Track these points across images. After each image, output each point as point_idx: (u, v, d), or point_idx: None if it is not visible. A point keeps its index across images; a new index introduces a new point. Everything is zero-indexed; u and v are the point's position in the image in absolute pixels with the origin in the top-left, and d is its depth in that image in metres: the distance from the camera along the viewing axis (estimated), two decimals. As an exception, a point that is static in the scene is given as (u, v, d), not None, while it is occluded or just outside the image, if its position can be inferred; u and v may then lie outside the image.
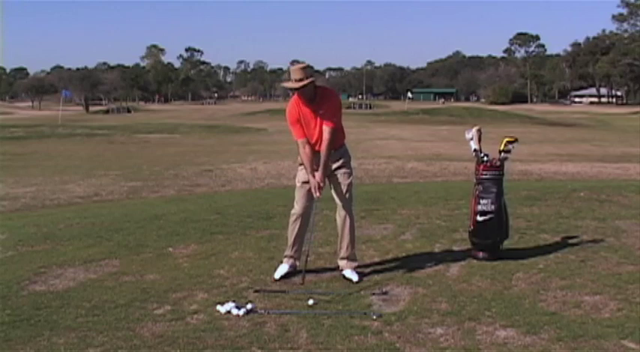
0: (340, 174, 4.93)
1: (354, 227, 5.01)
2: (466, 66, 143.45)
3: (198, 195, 11.01)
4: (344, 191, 4.91)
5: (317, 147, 4.85)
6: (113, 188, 12.29)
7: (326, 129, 4.79)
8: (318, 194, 4.79)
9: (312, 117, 4.82)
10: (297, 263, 5.05)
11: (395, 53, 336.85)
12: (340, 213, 4.95)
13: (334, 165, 4.91)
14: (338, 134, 4.90)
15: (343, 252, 4.97)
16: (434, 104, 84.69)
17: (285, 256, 5.04)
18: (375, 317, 4.07)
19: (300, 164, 4.98)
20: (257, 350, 3.64)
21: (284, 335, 3.83)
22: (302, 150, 4.86)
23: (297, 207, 4.98)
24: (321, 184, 4.78)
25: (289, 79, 4.75)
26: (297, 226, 4.97)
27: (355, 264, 5.00)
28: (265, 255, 5.61)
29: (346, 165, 4.97)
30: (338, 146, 4.92)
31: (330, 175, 4.90)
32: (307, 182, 4.90)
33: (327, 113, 4.80)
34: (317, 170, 4.80)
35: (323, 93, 4.86)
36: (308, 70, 4.73)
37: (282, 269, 4.98)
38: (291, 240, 5.01)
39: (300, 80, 4.68)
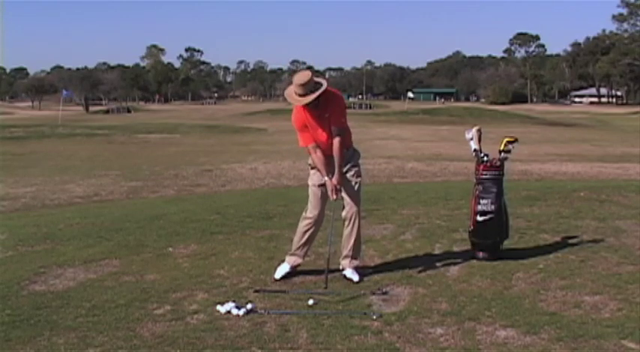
0: (350, 174, 4.91)
1: (361, 225, 4.99)
2: (466, 66, 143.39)
3: (198, 195, 11.01)
4: (354, 190, 4.89)
5: (327, 151, 4.79)
6: (113, 188, 12.29)
7: (336, 131, 4.75)
8: (334, 196, 4.77)
9: (319, 121, 4.76)
10: (301, 261, 5.04)
11: (395, 53, 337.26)
12: (348, 211, 4.91)
13: (350, 159, 4.90)
14: (347, 134, 4.88)
15: (347, 250, 4.96)
16: (434, 104, 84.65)
17: (291, 254, 5.02)
18: (375, 317, 4.07)
19: (313, 167, 4.94)
20: (257, 350, 3.64)
21: (284, 335, 3.83)
22: (314, 155, 4.81)
23: (314, 211, 4.91)
24: (338, 187, 4.75)
25: (293, 90, 4.67)
26: (311, 229, 4.93)
27: (357, 262, 4.99)
28: (265, 255, 5.61)
29: (355, 164, 4.96)
30: (347, 146, 4.88)
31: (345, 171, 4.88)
32: (323, 185, 4.85)
33: (334, 115, 4.75)
34: (332, 172, 4.76)
35: (327, 95, 4.74)
36: (310, 85, 4.61)
37: (283, 269, 4.98)
38: (302, 241, 4.96)
39: (304, 95, 4.61)
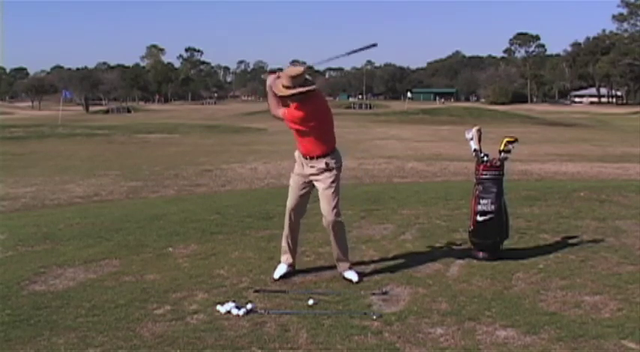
0: (322, 182, 4.82)
1: (342, 230, 4.93)
2: (466, 66, 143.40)
3: (198, 195, 11.01)
4: (327, 199, 4.81)
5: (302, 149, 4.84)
6: (113, 188, 12.29)
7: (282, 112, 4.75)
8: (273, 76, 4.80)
9: (293, 107, 4.75)
10: (293, 258, 5.04)
11: (395, 53, 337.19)
12: (325, 219, 4.87)
13: (319, 167, 4.82)
14: (323, 138, 4.80)
15: (337, 254, 4.97)
16: (434, 104, 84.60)
17: (283, 253, 5.03)
18: (375, 317, 4.07)
19: (296, 161, 4.98)
20: (257, 350, 3.65)
21: (284, 335, 3.83)
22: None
23: (290, 201, 4.96)
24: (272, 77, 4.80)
25: (281, 81, 4.69)
26: (289, 220, 4.96)
27: (347, 264, 4.95)
28: (265, 255, 5.61)
29: (332, 168, 4.82)
30: (324, 152, 4.79)
31: (314, 179, 4.86)
32: (299, 174, 4.91)
33: (311, 110, 4.69)
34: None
35: (314, 95, 4.76)
36: (298, 80, 4.61)
37: (282, 269, 4.98)
38: (285, 234, 5.00)
39: (287, 88, 4.63)
